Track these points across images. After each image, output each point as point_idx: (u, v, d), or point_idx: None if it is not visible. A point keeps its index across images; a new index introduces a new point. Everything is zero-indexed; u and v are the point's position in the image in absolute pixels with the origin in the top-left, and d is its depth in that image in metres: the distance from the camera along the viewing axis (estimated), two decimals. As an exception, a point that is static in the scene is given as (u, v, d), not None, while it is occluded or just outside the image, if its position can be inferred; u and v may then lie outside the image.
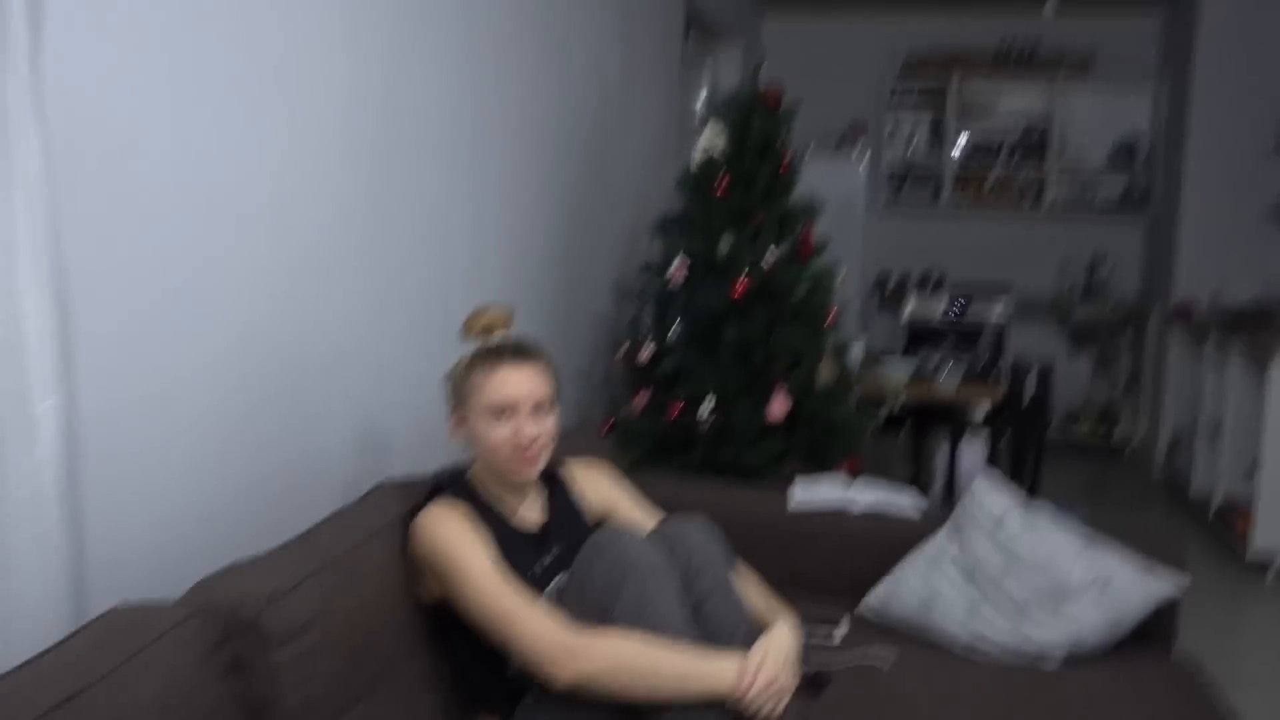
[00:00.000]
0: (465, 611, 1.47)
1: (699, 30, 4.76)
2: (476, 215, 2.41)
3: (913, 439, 3.40)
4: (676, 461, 2.87)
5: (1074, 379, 6.69)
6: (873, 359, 3.95)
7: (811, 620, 2.14)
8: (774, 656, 1.44)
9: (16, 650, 1.11)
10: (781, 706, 1.43)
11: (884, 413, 3.39)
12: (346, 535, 1.50)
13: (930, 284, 6.71)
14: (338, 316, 1.89)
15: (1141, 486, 5.51)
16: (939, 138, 6.56)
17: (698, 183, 3.02)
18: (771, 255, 2.85)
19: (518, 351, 1.61)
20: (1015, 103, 6.38)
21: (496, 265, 2.54)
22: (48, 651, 1.05)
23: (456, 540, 1.49)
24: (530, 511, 1.67)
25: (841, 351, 3.06)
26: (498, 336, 1.67)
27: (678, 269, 2.92)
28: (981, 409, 3.63)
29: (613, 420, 3.06)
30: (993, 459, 3.16)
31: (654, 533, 1.59)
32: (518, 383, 1.57)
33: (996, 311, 6.45)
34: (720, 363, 2.85)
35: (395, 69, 2.02)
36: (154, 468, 1.45)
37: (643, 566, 1.45)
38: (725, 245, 2.88)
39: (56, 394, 1.21)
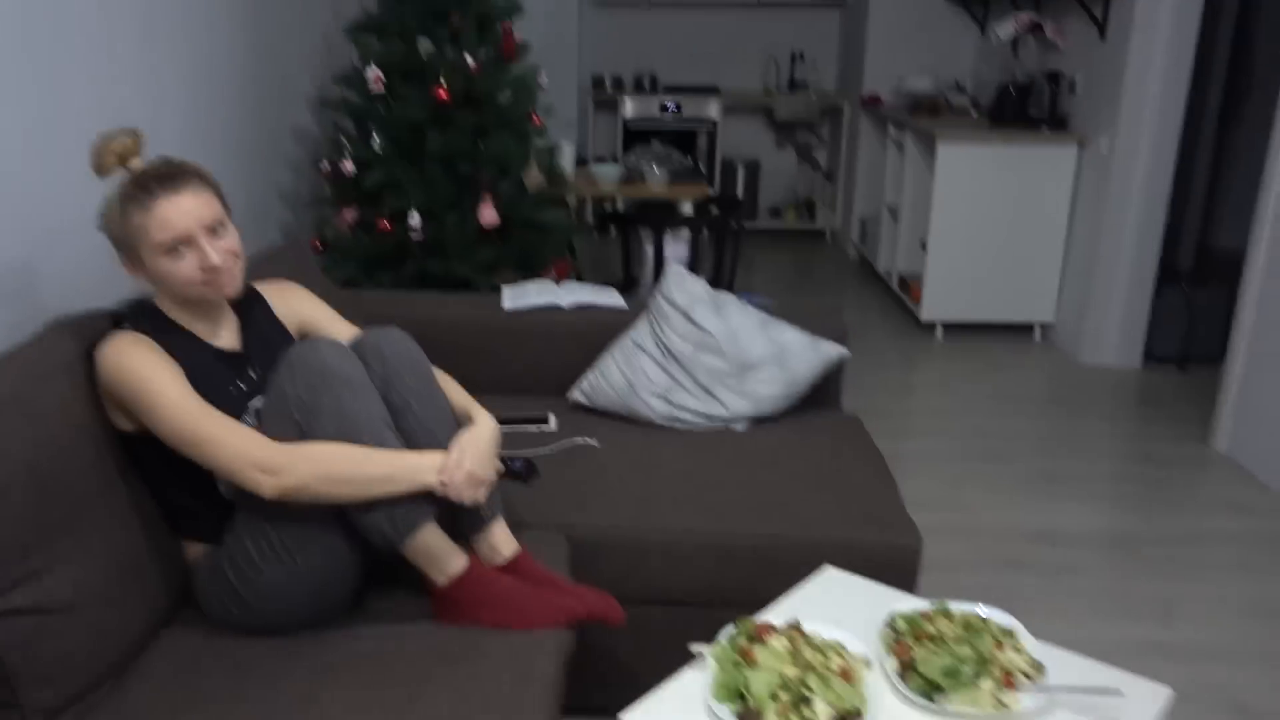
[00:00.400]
0: (164, 440, 1.46)
1: None
2: (146, 22, 2.20)
3: (624, 239, 3.55)
4: (389, 277, 2.87)
5: (780, 173, 7.11)
6: (584, 162, 4.03)
7: (525, 416, 2.28)
8: (470, 451, 1.54)
9: None
10: (482, 494, 1.55)
11: (594, 214, 3.50)
12: (22, 376, 1.43)
13: (645, 85, 6.80)
14: None
15: (838, 266, 6.05)
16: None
17: (387, -17, 2.88)
18: (472, 61, 2.80)
19: (168, 178, 1.49)
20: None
21: (174, 76, 2.35)
22: None
23: (141, 369, 1.45)
24: (227, 333, 1.64)
25: (549, 156, 3.10)
26: (137, 166, 1.54)
27: (375, 77, 2.82)
28: (688, 205, 3.83)
29: (321, 238, 2.99)
30: (695, 251, 3.36)
31: (351, 344, 1.62)
32: (181, 212, 1.48)
33: (709, 109, 6.68)
34: (426, 174, 2.83)
35: None
36: None
37: (340, 376, 1.49)
38: (423, 49, 2.80)
39: None
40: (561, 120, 6.64)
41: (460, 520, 1.61)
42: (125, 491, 1.50)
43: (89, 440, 1.45)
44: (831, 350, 2.32)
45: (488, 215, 2.83)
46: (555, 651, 1.49)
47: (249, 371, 1.62)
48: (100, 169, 1.53)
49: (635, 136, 6.77)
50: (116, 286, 2.03)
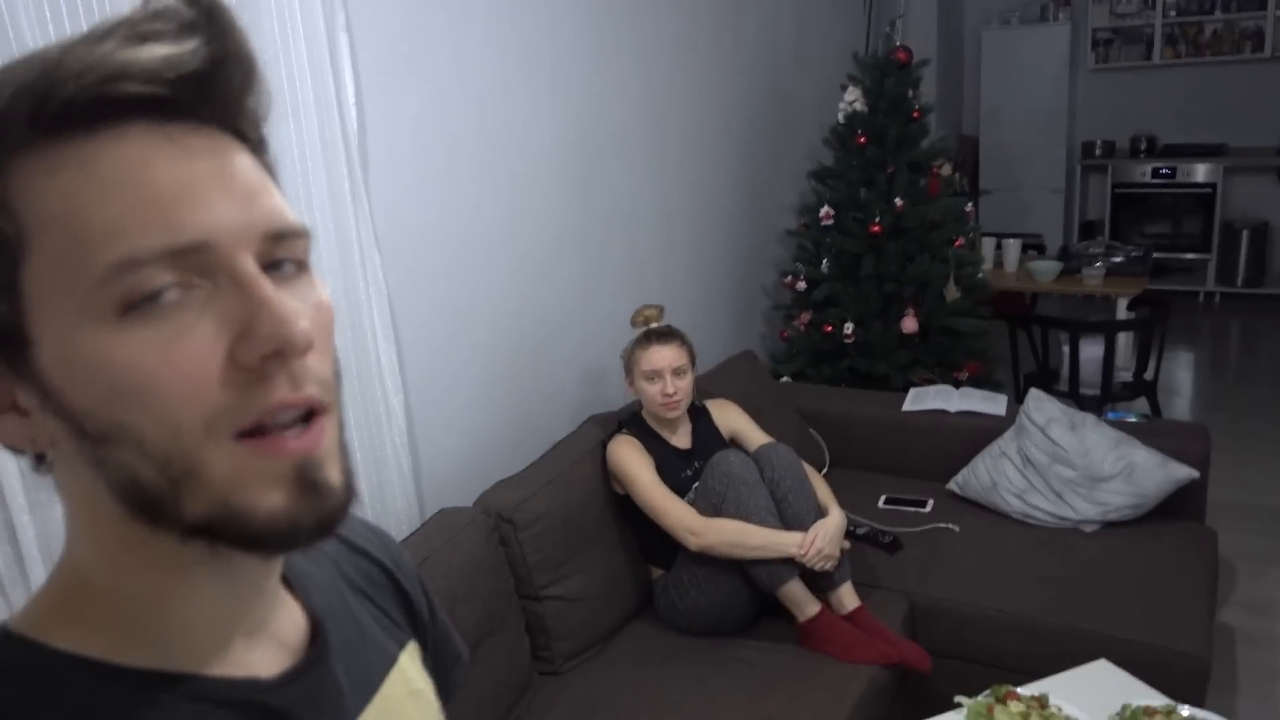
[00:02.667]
0: (638, 503, 2.40)
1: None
2: (661, 194, 3.22)
3: (1044, 334, 3.96)
4: (828, 370, 3.64)
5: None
6: (1028, 255, 4.46)
7: (909, 499, 2.93)
8: (822, 534, 2.28)
9: (395, 532, 2.15)
10: (830, 565, 2.27)
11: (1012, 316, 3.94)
12: (565, 457, 2.45)
13: (1142, 147, 6.77)
14: (559, 286, 2.77)
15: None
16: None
17: (840, 139, 3.67)
18: (899, 201, 3.48)
19: (662, 335, 2.45)
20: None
21: (682, 231, 3.35)
22: (411, 538, 2.06)
23: (628, 461, 2.40)
24: (681, 438, 2.54)
25: (971, 273, 3.66)
26: (652, 322, 2.52)
27: (825, 214, 3.62)
28: (1123, 301, 4.10)
29: (786, 332, 3.87)
30: (1110, 352, 3.68)
31: (754, 452, 2.44)
32: (660, 357, 2.42)
33: (1207, 171, 6.47)
34: (862, 290, 3.57)
35: (590, 92, 2.80)
36: (452, 415, 2.43)
37: (741, 478, 2.31)
38: (862, 194, 3.55)
39: (400, 394, 2.21)
40: (1047, 188, 6.89)
41: (819, 580, 2.35)
42: (616, 532, 2.46)
43: (597, 499, 2.42)
44: (1180, 472, 2.64)
45: (908, 324, 3.49)
46: (866, 680, 2.17)
47: (693, 465, 2.50)
48: (634, 323, 2.54)
49: (1124, 200, 6.79)
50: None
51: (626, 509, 2.48)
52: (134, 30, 0.49)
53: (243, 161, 0.52)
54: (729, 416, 2.65)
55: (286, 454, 0.50)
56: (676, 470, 2.46)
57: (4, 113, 0.47)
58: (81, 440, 0.49)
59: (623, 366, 2.54)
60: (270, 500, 0.49)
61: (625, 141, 2.99)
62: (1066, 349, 3.78)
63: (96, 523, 0.52)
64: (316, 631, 0.62)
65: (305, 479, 0.50)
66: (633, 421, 2.54)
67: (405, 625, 0.74)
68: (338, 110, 1.97)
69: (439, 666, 0.77)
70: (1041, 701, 1.93)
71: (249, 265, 0.49)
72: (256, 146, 0.55)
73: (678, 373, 2.44)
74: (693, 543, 2.29)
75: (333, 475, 0.52)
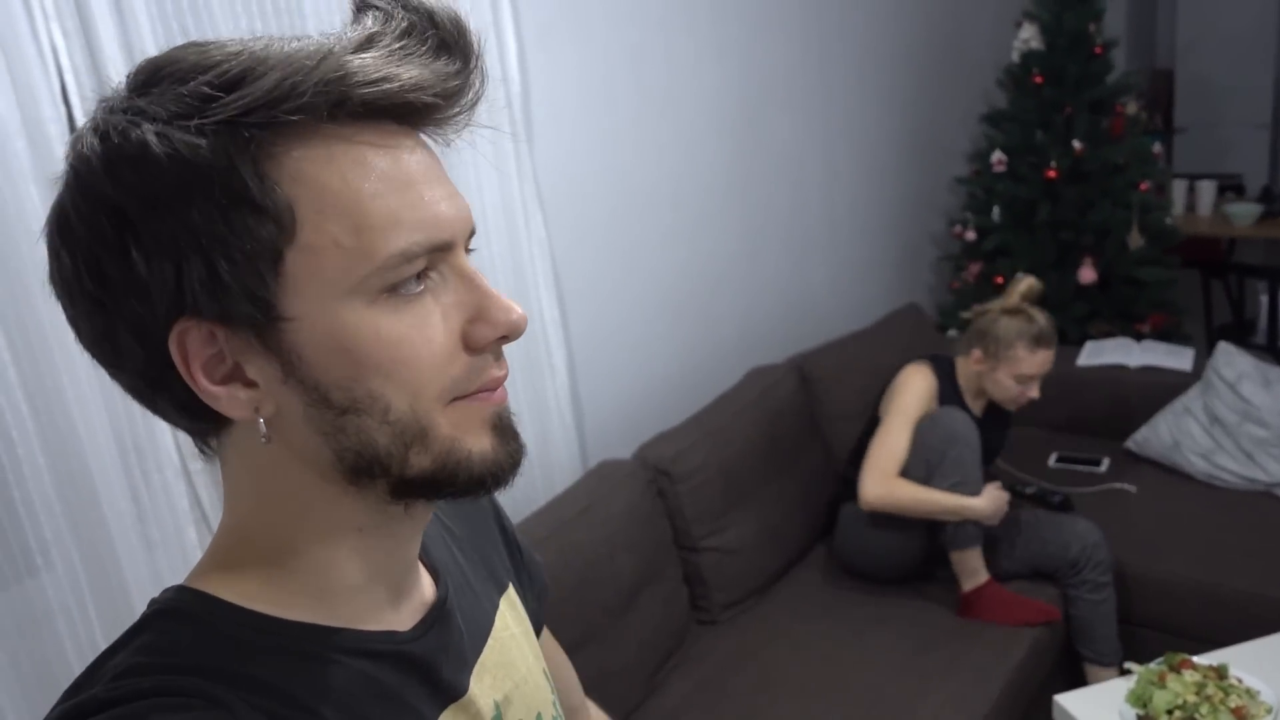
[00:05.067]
0: (882, 425, 2.32)
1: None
2: (824, 141, 3.15)
3: (1239, 283, 3.68)
4: (999, 322, 3.51)
5: None
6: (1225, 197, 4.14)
7: (1082, 457, 2.81)
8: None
9: (558, 482, 2.24)
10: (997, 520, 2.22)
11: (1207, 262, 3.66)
12: (725, 410, 2.47)
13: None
14: (723, 240, 2.77)
15: None
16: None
17: (1015, 79, 3.49)
18: (1079, 144, 3.29)
19: (1051, 339, 2.29)
20: None
21: (846, 180, 3.28)
22: (573, 488, 2.14)
23: (912, 389, 2.33)
24: (978, 406, 2.42)
25: (1160, 217, 3.42)
26: (1041, 318, 2.27)
27: (997, 160, 3.47)
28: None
29: (955, 283, 3.75)
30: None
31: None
32: (1047, 363, 2.29)
33: None
34: (1035, 240, 3.41)
35: (749, 38, 2.74)
36: (615, 368, 2.49)
37: (964, 439, 2.22)
38: (1038, 136, 3.38)
39: (563, 349, 2.28)
40: (1251, 124, 6.33)
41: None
42: (776, 486, 2.47)
43: (755, 452, 2.44)
44: (1393, 433, 2.43)
45: (1086, 275, 3.31)
46: (1028, 644, 2.12)
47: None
48: (1017, 295, 2.34)
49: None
50: (796, 343, 3.04)
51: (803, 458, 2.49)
52: (397, 45, 0.54)
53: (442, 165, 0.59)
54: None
55: (493, 403, 0.59)
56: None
57: (306, 103, 0.51)
58: (323, 409, 0.54)
59: (973, 334, 2.36)
60: (482, 444, 0.58)
61: (787, 88, 2.95)
62: (1265, 299, 3.51)
63: (285, 488, 0.58)
64: (438, 584, 0.69)
65: (503, 424, 0.60)
66: (945, 369, 2.42)
67: (506, 568, 0.81)
68: (501, 73, 2.03)
69: (528, 600, 0.83)
70: (1220, 672, 1.84)
71: (467, 260, 0.58)
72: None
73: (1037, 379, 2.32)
74: (869, 490, 2.25)
75: (515, 423, 0.61)
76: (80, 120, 1.43)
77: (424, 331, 0.54)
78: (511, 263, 2.14)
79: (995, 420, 2.46)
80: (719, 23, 2.66)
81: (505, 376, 0.60)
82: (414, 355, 0.54)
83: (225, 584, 0.58)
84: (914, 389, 2.34)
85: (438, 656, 0.64)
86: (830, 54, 3.11)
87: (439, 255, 0.56)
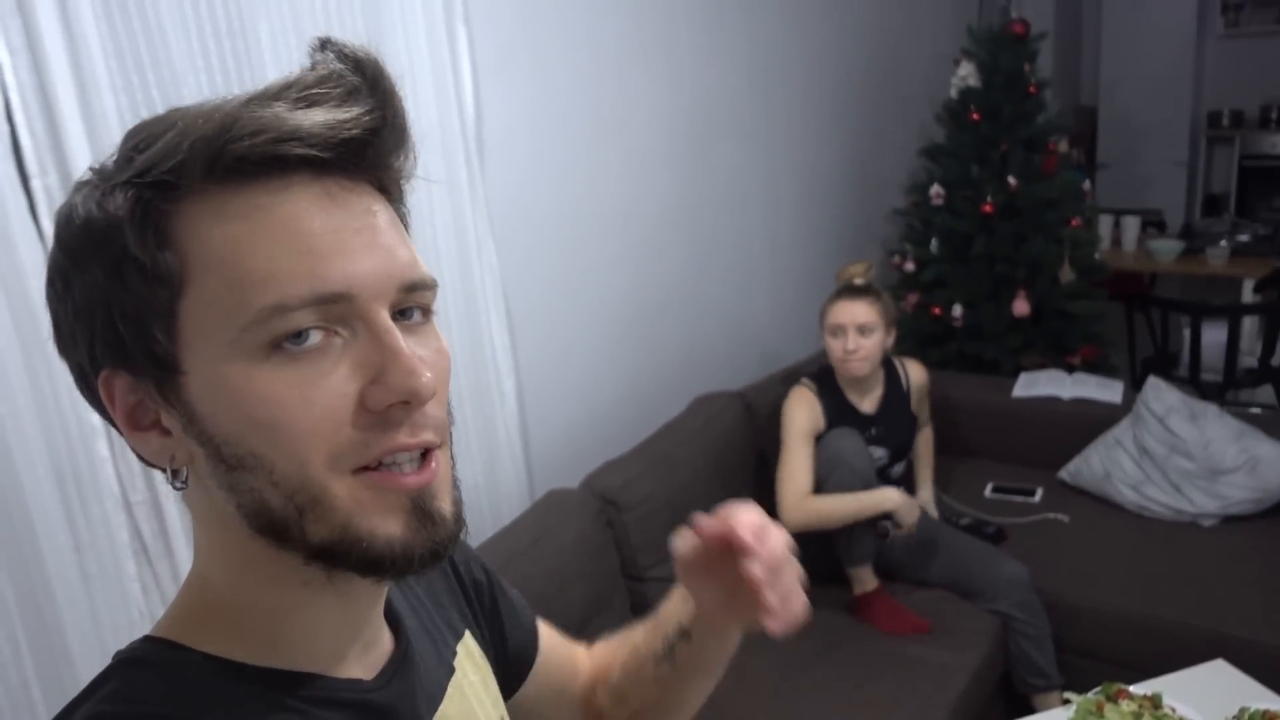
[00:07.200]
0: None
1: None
2: (769, 171, 3.19)
3: (1163, 318, 3.81)
4: (936, 353, 3.58)
5: None
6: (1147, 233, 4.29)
7: (1017, 487, 2.88)
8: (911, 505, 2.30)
9: (505, 512, 2.21)
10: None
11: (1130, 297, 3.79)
12: (672, 438, 2.47)
13: (1272, 117, 6.42)
14: (669, 266, 2.77)
15: None
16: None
17: (953, 115, 3.58)
18: (1013, 180, 3.39)
19: (854, 290, 2.39)
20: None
21: (790, 209, 3.33)
22: (522, 518, 2.12)
23: (790, 410, 2.40)
24: (868, 401, 2.48)
25: (1087, 254, 3.54)
26: (848, 276, 2.45)
27: (935, 194, 3.55)
28: (1249, 283, 3.92)
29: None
30: (1235, 337, 3.53)
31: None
32: (846, 311, 2.36)
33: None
34: (971, 272, 3.49)
35: (699, 70, 2.77)
36: (564, 396, 2.47)
37: (846, 463, 2.29)
38: (974, 171, 3.46)
39: (512, 376, 2.26)
40: (1169, 161, 6.59)
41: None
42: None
43: (702, 480, 2.44)
44: (1310, 465, 2.54)
45: (1020, 307, 3.40)
46: (970, 673, 2.16)
47: (875, 429, 2.45)
48: (838, 279, 2.49)
49: (1252, 174, 6.45)
50: (742, 370, 3.06)
51: (750, 489, 2.50)
52: (304, 93, 0.54)
53: (385, 216, 0.57)
54: (920, 381, 2.63)
55: (403, 488, 0.54)
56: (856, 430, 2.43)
57: (183, 162, 0.52)
58: (217, 464, 0.54)
59: (820, 319, 2.50)
60: (388, 528, 0.54)
61: (734, 119, 2.98)
62: (1187, 333, 3.64)
63: (226, 540, 0.57)
64: (399, 633, 0.68)
65: (420, 509, 0.55)
66: (820, 376, 2.51)
67: (464, 614, 0.81)
68: (455, 100, 2.02)
69: (514, 639, 0.86)
70: (1154, 701, 1.89)
71: (384, 316, 0.54)
72: (396, 199, 0.60)
73: (863, 330, 2.38)
74: (787, 515, 2.30)
75: (445, 506, 0.57)
76: (24, 139, 1.39)
77: (304, 392, 0.52)
78: (463, 290, 2.12)
79: (894, 411, 2.52)
80: (669, 53, 2.68)
81: (422, 445, 0.55)
82: (289, 417, 0.52)
83: (190, 633, 0.58)
84: (791, 413, 2.42)
85: (401, 705, 0.64)
86: (775, 85, 3.16)
87: (341, 309, 0.53)
